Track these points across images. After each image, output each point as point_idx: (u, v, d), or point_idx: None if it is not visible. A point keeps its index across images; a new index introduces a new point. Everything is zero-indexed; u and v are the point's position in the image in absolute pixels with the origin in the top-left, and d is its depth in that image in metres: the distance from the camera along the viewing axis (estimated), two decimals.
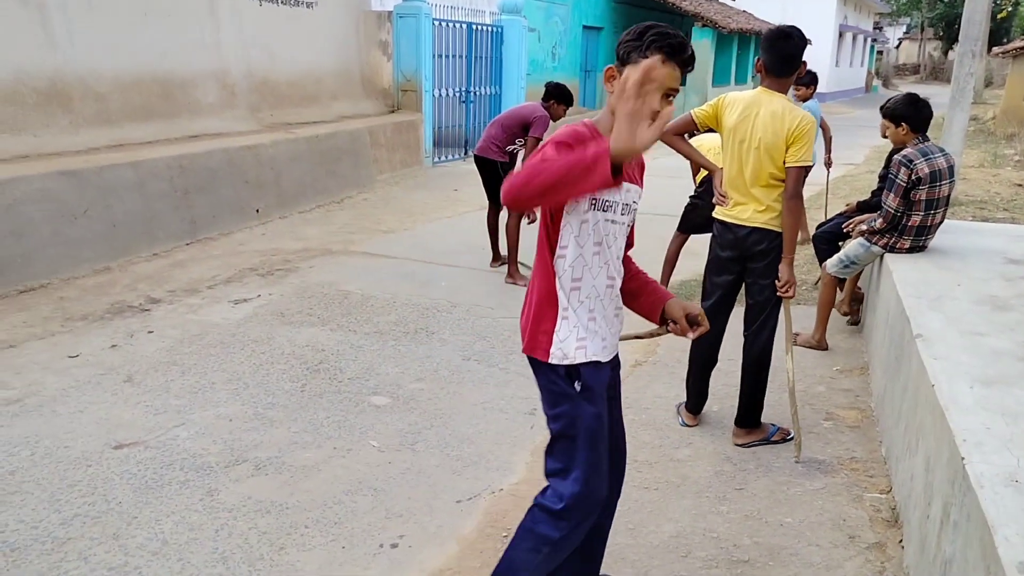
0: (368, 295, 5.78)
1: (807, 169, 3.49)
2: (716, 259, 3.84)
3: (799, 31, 3.52)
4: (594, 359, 2.14)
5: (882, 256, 4.63)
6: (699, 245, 5.91)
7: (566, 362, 2.11)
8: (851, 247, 4.82)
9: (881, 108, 4.69)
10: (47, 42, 6.63)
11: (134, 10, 7.35)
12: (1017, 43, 19.28)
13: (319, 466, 3.47)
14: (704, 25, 19.48)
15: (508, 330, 5.19)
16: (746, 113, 3.56)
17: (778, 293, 3.59)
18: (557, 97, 6.16)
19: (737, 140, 3.59)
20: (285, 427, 3.80)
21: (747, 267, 3.73)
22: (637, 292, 2.36)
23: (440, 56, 12.06)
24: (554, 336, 2.12)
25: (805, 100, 7.43)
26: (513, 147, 6.27)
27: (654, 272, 6.00)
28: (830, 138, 7.92)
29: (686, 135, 4.04)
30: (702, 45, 19.42)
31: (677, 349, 4.99)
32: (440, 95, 12.17)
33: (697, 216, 5.63)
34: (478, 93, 13.34)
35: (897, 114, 4.52)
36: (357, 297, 5.71)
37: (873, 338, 4.68)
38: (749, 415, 3.79)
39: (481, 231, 6.86)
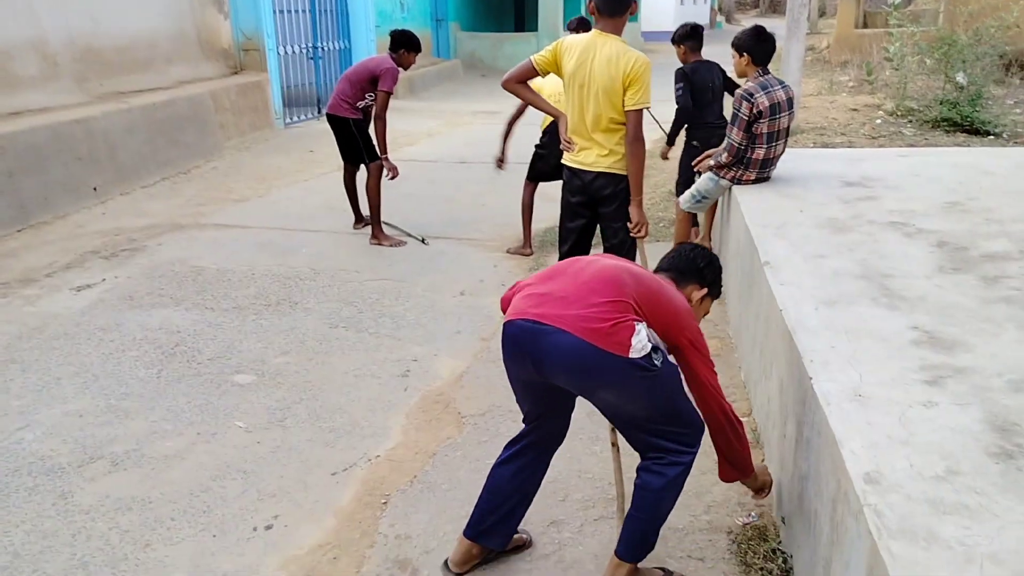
0: (224, 269, 5.51)
1: (643, 111, 3.54)
2: (567, 204, 3.89)
3: None
4: (651, 344, 2.25)
5: (730, 188, 4.78)
6: (555, 190, 5.97)
7: (645, 354, 2.19)
8: (700, 182, 4.95)
9: (732, 41, 4.83)
10: None
11: None
12: None
13: (182, 454, 3.30)
14: None
15: (375, 293, 5.08)
16: (583, 58, 3.55)
17: (631, 234, 3.66)
18: (405, 45, 5.97)
19: (576, 85, 3.59)
20: (142, 417, 3.60)
21: (598, 211, 3.78)
22: None
23: (282, 12, 11.51)
24: (633, 342, 2.16)
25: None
26: (364, 102, 6.04)
27: (515, 221, 6.03)
28: None
29: (528, 81, 4.00)
30: None
31: None
32: (286, 53, 11.65)
33: (544, 164, 5.66)
34: (326, 48, 12.86)
35: (741, 46, 4.63)
36: (212, 272, 5.44)
37: (727, 268, 4.85)
38: None
39: (340, 193, 6.65)
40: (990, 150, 6.64)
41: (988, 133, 9.13)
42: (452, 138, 10.94)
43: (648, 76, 3.49)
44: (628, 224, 3.68)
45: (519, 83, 3.84)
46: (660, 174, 7.56)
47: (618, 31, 3.59)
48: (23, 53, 7.58)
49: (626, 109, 3.52)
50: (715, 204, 5.32)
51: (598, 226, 3.89)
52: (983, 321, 2.65)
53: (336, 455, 3.30)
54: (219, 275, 5.39)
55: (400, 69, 5.96)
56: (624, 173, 3.61)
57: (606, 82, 3.48)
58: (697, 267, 2.57)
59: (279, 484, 3.10)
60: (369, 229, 6.24)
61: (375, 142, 6.05)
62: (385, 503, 3.00)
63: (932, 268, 3.14)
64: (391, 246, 6.05)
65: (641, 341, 2.19)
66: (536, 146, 5.76)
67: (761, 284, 3.29)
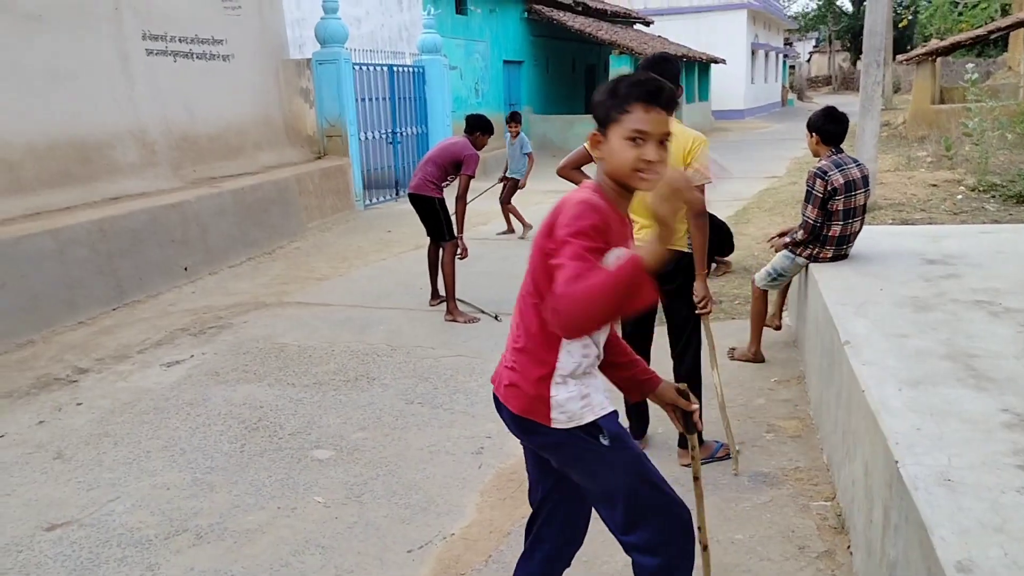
0: (305, 346, 5.68)
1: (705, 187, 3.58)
2: None
3: (675, 56, 3.71)
4: (603, 410, 2.02)
5: (807, 266, 4.74)
6: None
7: (571, 425, 1.98)
8: (777, 259, 4.93)
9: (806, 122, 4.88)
10: None
11: (42, 74, 7.18)
12: (919, 50, 20.17)
13: (263, 528, 3.37)
14: (621, 52, 19.91)
15: (450, 369, 5.15)
16: None
17: (696, 311, 3.65)
18: (480, 128, 6.38)
19: None
20: (226, 491, 3.69)
21: (661, 289, 3.75)
22: (624, 366, 2.24)
23: (363, 99, 12.06)
24: (551, 400, 1.97)
25: (516, 136, 9.57)
26: (446, 183, 6.34)
27: None
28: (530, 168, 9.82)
29: (583, 167, 4.10)
30: (621, 72, 19.82)
31: None
32: (366, 138, 12.15)
33: None
34: (405, 133, 13.36)
35: (812, 126, 4.67)
36: (293, 349, 5.62)
37: (806, 347, 4.78)
38: None
39: (417, 271, 6.84)
40: None
41: None
42: (524, 216, 11.13)
43: (706, 153, 3.55)
44: (692, 300, 3.68)
45: (574, 169, 3.97)
46: (734, 251, 7.54)
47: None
48: (124, 142, 8.11)
49: None
50: (787, 288, 5.27)
51: (659, 304, 3.89)
52: None
53: (412, 532, 3.32)
54: (300, 352, 5.56)
55: (475, 150, 6.26)
56: (686, 250, 3.62)
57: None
58: (592, 111, 2.03)
59: (357, 560, 3.13)
60: (444, 306, 6.37)
61: (453, 221, 6.31)
62: None
63: (1021, 348, 3.04)
64: (465, 323, 6.15)
65: (564, 408, 1.97)
66: None
67: (842, 364, 3.24)
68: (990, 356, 2.98)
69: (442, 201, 6.35)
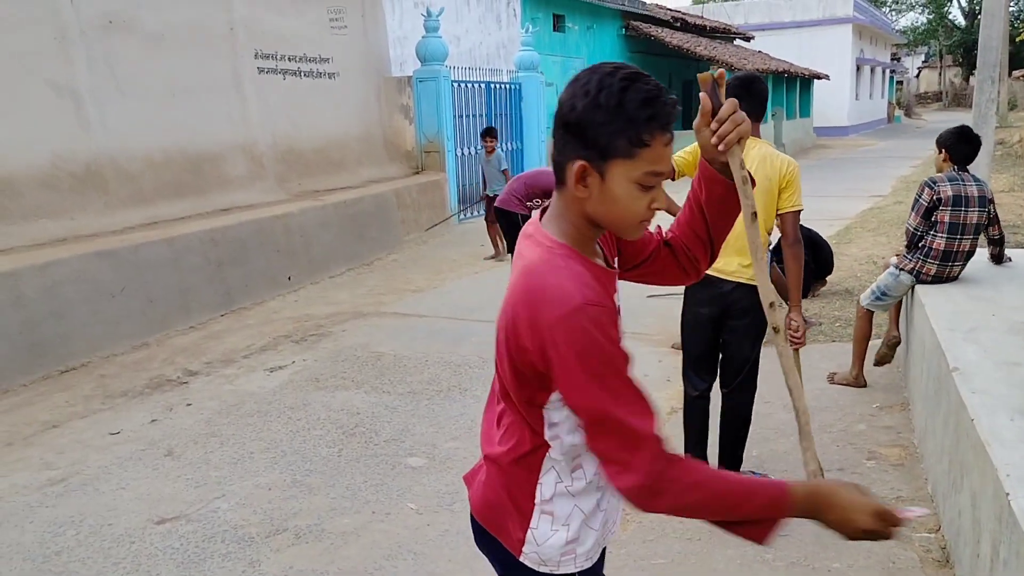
0: (400, 355, 5.82)
1: (800, 213, 3.46)
2: (695, 317, 3.60)
3: (761, 75, 3.64)
4: (589, 564, 1.54)
5: (913, 288, 4.59)
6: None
7: (544, 569, 1.51)
8: (881, 277, 4.81)
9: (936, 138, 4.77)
10: (81, 127, 6.88)
11: (162, 90, 7.61)
12: None
13: (358, 532, 3.47)
14: (720, 68, 19.69)
15: None
16: None
17: (791, 341, 3.46)
18: None
19: None
20: (323, 493, 3.82)
21: (726, 324, 3.53)
22: (690, 212, 1.64)
23: (461, 116, 12.28)
24: (529, 532, 1.49)
25: (492, 152, 9.18)
26: (531, 203, 6.46)
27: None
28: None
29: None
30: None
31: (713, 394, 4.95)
32: (462, 154, 12.36)
33: None
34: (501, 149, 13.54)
35: (942, 143, 4.60)
36: (389, 358, 5.76)
37: (911, 372, 4.60)
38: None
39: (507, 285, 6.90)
40: None
41: None
42: None
43: (799, 179, 3.44)
44: (758, 337, 3.55)
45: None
46: (835, 272, 7.34)
47: (758, 133, 3.61)
48: (234, 156, 8.51)
49: (782, 212, 3.43)
50: (899, 306, 5.09)
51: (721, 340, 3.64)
52: None
53: None
54: (396, 361, 5.70)
55: None
56: (752, 283, 3.44)
57: (762, 183, 3.32)
58: (566, 120, 1.36)
59: (447, 568, 3.19)
60: None
61: None
62: None
63: None
64: None
65: (539, 547, 1.48)
66: None
67: (950, 391, 3.12)
68: None
69: (526, 217, 6.42)
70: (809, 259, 6.55)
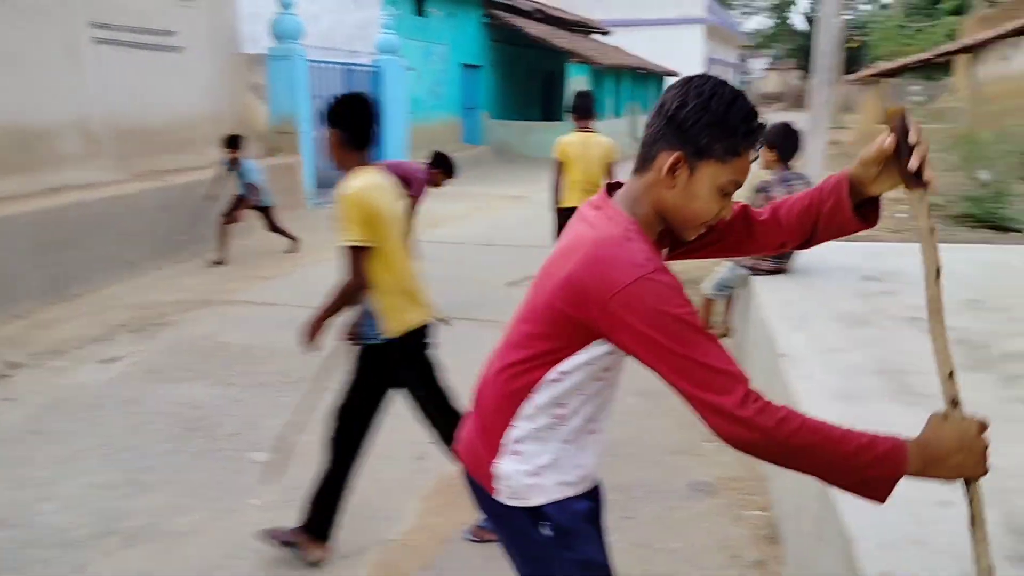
0: (249, 345, 5.60)
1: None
2: None
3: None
4: (560, 495, 1.62)
5: (748, 278, 4.84)
6: None
7: (519, 502, 1.62)
8: (722, 270, 5.05)
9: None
10: None
11: None
12: (867, 71, 20.71)
13: (197, 531, 3.31)
14: (579, 62, 20.06)
15: None
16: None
17: None
18: (442, 166, 6.31)
19: None
20: (161, 491, 3.62)
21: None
22: (809, 213, 1.64)
23: (317, 98, 11.94)
24: (495, 468, 1.62)
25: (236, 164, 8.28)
26: None
27: None
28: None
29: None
30: (578, 81, 19.98)
31: None
32: (320, 137, 12.03)
33: None
34: None
35: (769, 140, 4.80)
36: (236, 348, 5.53)
37: (747, 360, 4.85)
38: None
39: None
40: (1013, 248, 6.64)
41: (1012, 230, 9.15)
42: (480, 222, 11.15)
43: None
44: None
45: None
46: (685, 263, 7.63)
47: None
48: (67, 132, 7.91)
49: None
50: (731, 298, 5.37)
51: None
52: (1002, 421, 2.63)
53: (349, 538, 3.29)
54: (243, 351, 5.48)
55: (427, 182, 6.23)
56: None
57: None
58: (672, 114, 1.44)
59: (291, 565, 3.09)
60: None
61: None
62: None
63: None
64: None
65: (508, 481, 1.60)
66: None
67: (779, 377, 3.30)
68: (921, 372, 3.07)
69: None
70: None
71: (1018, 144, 10.16)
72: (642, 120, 25.36)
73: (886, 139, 1.44)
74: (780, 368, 3.24)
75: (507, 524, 1.67)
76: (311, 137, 11.70)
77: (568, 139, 5.80)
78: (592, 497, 1.71)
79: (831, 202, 1.58)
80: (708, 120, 1.41)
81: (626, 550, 3.18)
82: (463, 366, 5.29)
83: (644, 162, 1.49)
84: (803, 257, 4.90)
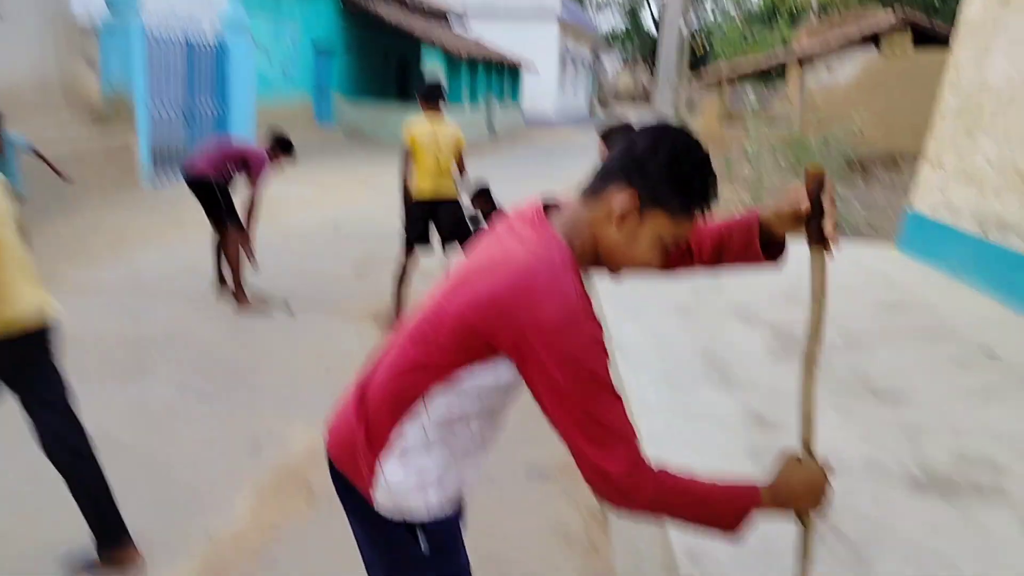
0: (71, 335, 5.19)
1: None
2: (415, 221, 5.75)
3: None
4: (440, 511, 1.56)
5: None
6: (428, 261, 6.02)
7: (397, 509, 1.53)
8: None
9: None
10: None
11: None
12: (710, 75, 21.76)
13: (5, 534, 3.07)
14: (435, 48, 19.98)
15: (233, 362, 4.94)
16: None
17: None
18: (282, 147, 6.10)
19: None
20: None
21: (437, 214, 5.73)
22: (720, 247, 1.66)
23: (157, 72, 11.30)
24: (378, 471, 1.51)
25: None
26: (228, 173, 5.95)
27: (389, 291, 6.05)
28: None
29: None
30: (434, 67, 19.90)
31: None
32: (157, 111, 11.39)
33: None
34: (202, 112, 12.66)
35: (604, 136, 4.94)
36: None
37: None
38: None
39: (205, 256, 6.50)
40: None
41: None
42: (330, 207, 10.90)
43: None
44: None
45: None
46: None
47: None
48: None
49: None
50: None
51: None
52: None
53: (176, 532, 3.15)
54: (66, 342, 5.10)
55: (269, 164, 6.03)
56: None
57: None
58: (640, 155, 1.42)
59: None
60: (237, 296, 6.10)
61: (237, 207, 6.02)
62: None
63: (764, 353, 3.36)
64: (255, 313, 5.92)
65: (391, 492, 1.51)
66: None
67: (613, 365, 3.43)
68: (740, 361, 3.27)
69: (222, 186, 5.98)
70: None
71: (839, 148, 10.99)
72: (497, 110, 25.60)
73: (803, 201, 1.48)
74: (613, 358, 3.36)
75: (376, 530, 1.57)
76: (148, 113, 11.06)
77: (417, 124, 5.73)
78: (460, 507, 1.66)
79: (741, 241, 1.60)
80: (674, 173, 1.39)
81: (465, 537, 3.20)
82: (309, 354, 5.18)
83: (594, 192, 1.45)
84: None
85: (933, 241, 5.45)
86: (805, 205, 1.46)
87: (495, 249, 1.46)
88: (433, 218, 5.86)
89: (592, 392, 1.33)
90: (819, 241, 1.46)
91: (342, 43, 20.35)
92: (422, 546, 1.53)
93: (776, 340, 3.61)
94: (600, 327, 1.37)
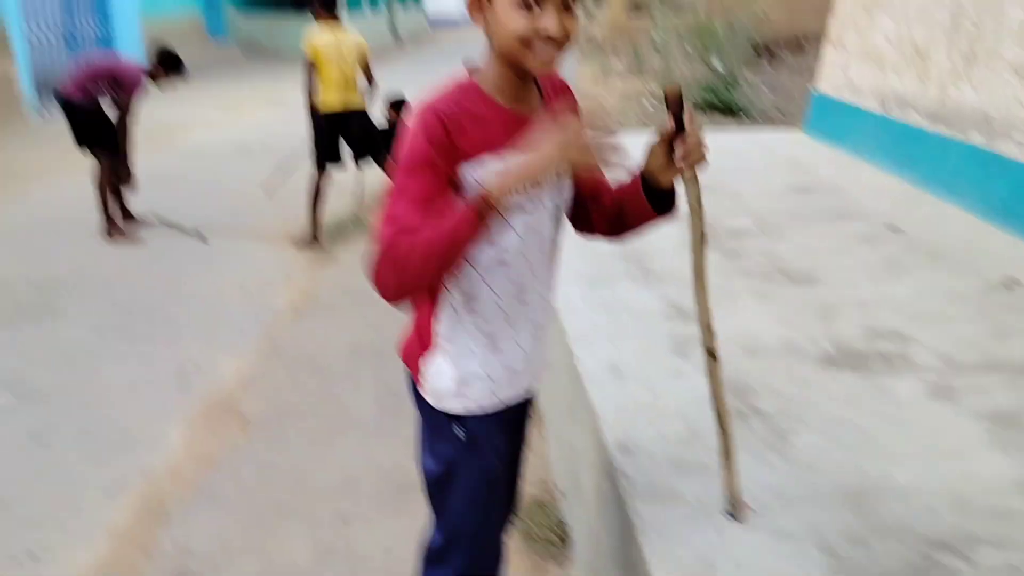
0: None
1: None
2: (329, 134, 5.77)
3: None
4: (480, 410, 1.61)
5: None
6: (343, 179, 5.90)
7: (440, 406, 1.61)
8: None
9: None
10: None
11: None
12: None
13: None
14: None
15: (150, 296, 4.80)
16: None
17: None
18: (167, 64, 5.57)
19: None
20: None
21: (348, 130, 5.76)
22: (619, 214, 1.61)
23: None
24: (423, 369, 1.61)
25: None
26: (98, 91, 5.47)
27: (303, 211, 5.93)
28: None
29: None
30: None
31: (334, 287, 4.99)
32: (37, 39, 10.61)
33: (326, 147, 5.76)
34: (84, 33, 11.84)
35: None
36: None
37: None
38: None
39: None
40: (738, 133, 7.29)
41: (744, 114, 10.03)
42: (233, 127, 10.48)
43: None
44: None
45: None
46: None
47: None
48: None
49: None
50: None
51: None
52: (723, 294, 2.94)
53: (109, 472, 3.11)
54: None
55: (147, 81, 5.53)
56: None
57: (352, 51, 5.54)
58: None
59: (43, 510, 2.88)
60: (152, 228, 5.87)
61: (110, 131, 5.62)
62: (165, 517, 2.87)
63: (681, 244, 3.43)
64: (126, 241, 5.68)
65: (432, 385, 1.60)
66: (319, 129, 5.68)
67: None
68: (657, 254, 3.33)
69: (87, 106, 5.46)
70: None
71: (745, 33, 11.02)
72: (400, 13, 24.68)
73: (666, 122, 1.43)
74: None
75: (425, 412, 1.66)
76: (25, 39, 10.29)
77: (318, 36, 5.49)
78: (516, 409, 1.69)
79: (631, 198, 1.55)
80: None
81: (398, 448, 3.24)
82: (228, 281, 5.07)
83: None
84: None
85: (838, 122, 5.58)
86: (668, 123, 1.42)
87: None
88: (343, 132, 5.71)
89: (402, 170, 1.37)
90: (686, 158, 1.43)
91: None
92: (458, 432, 1.60)
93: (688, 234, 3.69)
94: (452, 114, 1.38)
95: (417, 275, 1.34)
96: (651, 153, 1.47)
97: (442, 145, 1.37)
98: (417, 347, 1.62)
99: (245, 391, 3.77)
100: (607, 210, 1.61)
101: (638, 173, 1.51)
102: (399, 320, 4.34)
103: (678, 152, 1.43)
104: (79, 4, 11.76)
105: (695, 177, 1.49)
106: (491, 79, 1.45)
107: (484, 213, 1.29)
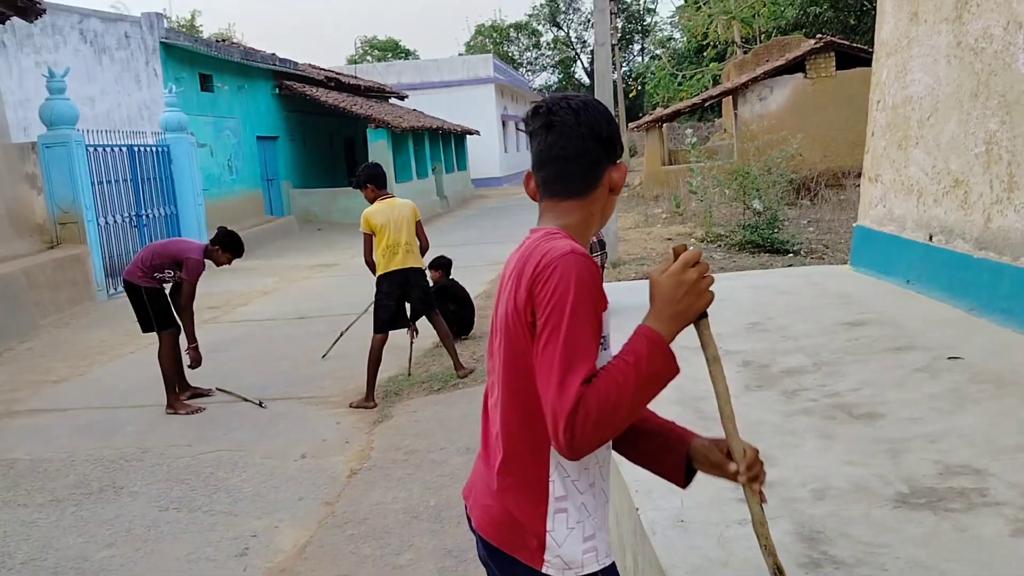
0: (38, 459, 5.10)
1: None
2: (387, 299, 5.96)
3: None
4: (608, 561, 1.50)
5: None
6: (398, 340, 6.03)
7: (570, 574, 1.46)
8: None
9: None
10: None
11: None
12: (646, 118, 22.25)
13: None
14: (377, 126, 20.14)
15: (209, 466, 4.85)
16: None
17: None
18: (224, 244, 5.95)
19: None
20: None
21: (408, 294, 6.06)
22: (651, 434, 1.66)
23: (101, 183, 11.26)
24: (548, 537, 1.46)
25: None
26: (161, 275, 5.83)
27: (357, 374, 6.03)
28: None
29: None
30: (379, 146, 20.06)
31: (391, 449, 4.98)
32: (107, 223, 11.32)
33: (386, 313, 5.91)
34: (151, 216, 12.61)
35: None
36: (25, 464, 5.03)
37: None
38: None
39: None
40: (785, 271, 7.32)
41: (787, 251, 10.09)
42: (289, 294, 10.86)
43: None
44: None
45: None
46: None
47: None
48: None
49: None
50: None
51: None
52: (785, 434, 2.87)
53: None
54: (33, 466, 4.99)
55: (207, 262, 5.90)
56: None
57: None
58: (606, 135, 1.54)
59: None
60: (199, 400, 6.01)
61: (173, 311, 5.95)
62: None
63: (739, 387, 3.39)
64: (187, 414, 5.81)
65: (561, 551, 1.45)
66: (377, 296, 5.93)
67: None
68: (715, 397, 3.28)
69: (150, 290, 5.81)
70: (455, 312, 6.95)
71: (781, 173, 11.26)
72: (445, 177, 25.82)
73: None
74: None
75: None
76: (97, 224, 10.98)
77: (372, 210, 5.87)
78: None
79: (670, 457, 1.62)
80: (608, 131, 1.51)
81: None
82: (286, 447, 5.10)
83: (585, 186, 1.52)
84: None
85: (884, 254, 5.58)
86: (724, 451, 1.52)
87: (526, 254, 1.48)
88: (404, 294, 5.95)
89: (576, 319, 1.34)
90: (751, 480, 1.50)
91: (285, 132, 20.50)
92: None
93: (746, 370, 3.65)
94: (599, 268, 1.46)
95: (624, 422, 1.32)
96: (709, 450, 1.54)
97: (600, 290, 1.40)
98: (527, 522, 1.46)
99: (304, 562, 3.72)
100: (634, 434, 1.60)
101: (686, 448, 1.58)
102: (455, 479, 4.31)
103: (741, 467, 1.48)
104: (150, 194, 12.59)
105: (708, 325, 1.50)
106: (581, 240, 1.52)
107: (665, 350, 1.35)
